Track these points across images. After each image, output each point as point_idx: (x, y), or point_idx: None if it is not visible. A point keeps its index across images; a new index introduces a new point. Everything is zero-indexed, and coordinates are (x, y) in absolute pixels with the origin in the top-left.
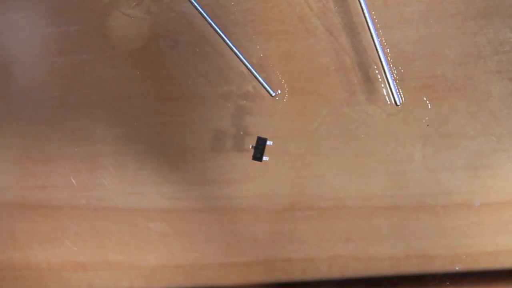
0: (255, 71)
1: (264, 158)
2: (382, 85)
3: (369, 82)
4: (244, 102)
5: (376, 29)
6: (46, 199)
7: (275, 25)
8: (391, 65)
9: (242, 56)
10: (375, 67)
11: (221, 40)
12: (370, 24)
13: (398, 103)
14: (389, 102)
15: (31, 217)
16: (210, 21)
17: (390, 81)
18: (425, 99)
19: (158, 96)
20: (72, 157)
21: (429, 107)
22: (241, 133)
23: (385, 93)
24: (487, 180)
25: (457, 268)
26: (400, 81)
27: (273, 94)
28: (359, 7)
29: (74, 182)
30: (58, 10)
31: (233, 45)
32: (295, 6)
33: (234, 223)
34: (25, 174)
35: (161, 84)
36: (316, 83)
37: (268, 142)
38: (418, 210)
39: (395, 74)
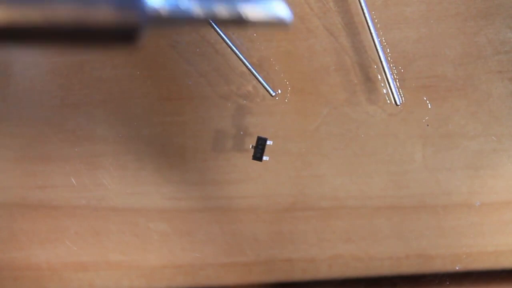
0: (255, 71)
1: (264, 158)
2: (382, 85)
3: (369, 82)
4: (244, 102)
5: (376, 29)
6: (46, 199)
7: None
8: (391, 65)
9: (242, 56)
10: (375, 67)
11: (221, 40)
12: (370, 24)
13: (398, 103)
14: (389, 102)
15: (31, 217)
16: (210, 21)
17: (390, 81)
18: (425, 99)
19: (158, 96)
20: (72, 157)
21: (429, 107)
22: (241, 133)
23: (385, 93)
24: (487, 180)
25: (457, 268)
26: (400, 81)
27: (273, 94)
28: (359, 7)
29: (74, 182)
30: None
31: (233, 45)
32: (295, 6)
33: (234, 223)
34: (25, 174)
35: (161, 84)
36: (316, 83)
37: (268, 142)
38: (418, 210)
39: (395, 74)
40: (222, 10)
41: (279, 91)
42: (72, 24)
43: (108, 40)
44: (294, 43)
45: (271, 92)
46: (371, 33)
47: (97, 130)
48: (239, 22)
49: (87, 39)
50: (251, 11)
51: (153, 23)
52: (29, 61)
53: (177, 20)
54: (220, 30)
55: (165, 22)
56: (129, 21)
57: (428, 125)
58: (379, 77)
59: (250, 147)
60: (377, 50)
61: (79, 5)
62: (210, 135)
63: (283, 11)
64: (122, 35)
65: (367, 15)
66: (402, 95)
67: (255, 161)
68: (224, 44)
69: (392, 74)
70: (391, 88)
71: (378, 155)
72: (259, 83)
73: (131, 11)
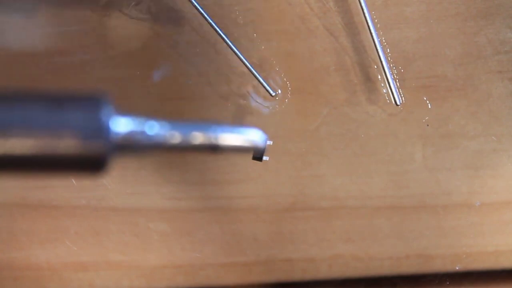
0: (255, 71)
1: (264, 158)
2: (382, 85)
3: (369, 82)
4: (244, 102)
5: (376, 29)
6: (46, 199)
7: (275, 25)
8: (391, 65)
9: (242, 56)
10: (375, 67)
11: (221, 40)
12: (370, 24)
13: (398, 103)
14: (389, 102)
15: (31, 217)
16: (210, 21)
17: (390, 81)
18: (425, 99)
19: (158, 96)
20: None
21: (429, 107)
22: None
23: (385, 93)
24: (487, 180)
25: (457, 268)
26: (400, 81)
27: (273, 94)
28: (359, 7)
29: (74, 182)
30: (58, 10)
31: (233, 45)
32: (296, 6)
33: (234, 223)
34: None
35: (161, 84)
36: (316, 83)
37: (268, 142)
38: (418, 210)
39: (395, 74)
40: (195, 138)
41: (279, 91)
42: (35, 156)
43: (74, 168)
44: (294, 43)
45: (271, 92)
46: (371, 33)
47: None
48: (213, 148)
49: (52, 168)
50: (227, 139)
51: (120, 151)
52: (29, 61)
53: (146, 148)
54: (220, 30)
55: (134, 149)
56: (94, 152)
57: (428, 125)
58: (379, 77)
59: None
60: (377, 50)
61: (42, 137)
62: None
63: (259, 138)
64: (88, 164)
65: (367, 15)
66: (402, 95)
67: (255, 161)
68: (224, 44)
69: (392, 74)
70: (391, 88)
71: (378, 155)
72: (259, 83)
73: (97, 142)
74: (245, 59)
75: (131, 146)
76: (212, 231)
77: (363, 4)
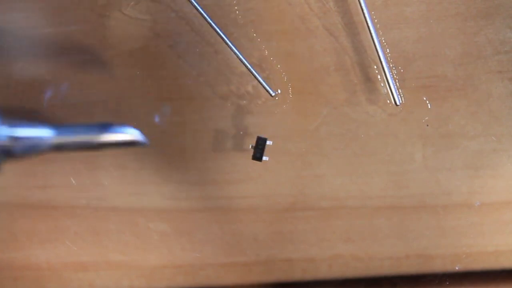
0: (255, 71)
1: (264, 158)
2: (382, 85)
3: (369, 82)
4: (244, 102)
5: (376, 29)
6: (46, 199)
7: (275, 25)
8: (391, 65)
9: (242, 56)
10: (375, 67)
11: (221, 40)
12: (370, 24)
13: (398, 103)
14: (389, 102)
15: (31, 217)
16: (210, 21)
17: (390, 81)
18: (425, 99)
19: (158, 96)
20: (72, 157)
21: (429, 107)
22: (241, 133)
23: (385, 93)
24: (487, 180)
25: (457, 268)
26: (400, 81)
27: (273, 94)
28: (359, 7)
29: (74, 182)
30: (58, 10)
31: (233, 45)
32: (295, 6)
33: (234, 223)
34: (25, 174)
35: (161, 84)
36: (316, 83)
37: (268, 142)
38: (418, 210)
39: (395, 74)
40: (78, 141)
41: (279, 91)
42: None
43: None
44: (294, 43)
45: (271, 92)
46: (371, 33)
47: None
48: (96, 148)
49: None
50: (108, 139)
51: (7, 156)
52: (29, 61)
53: (33, 151)
54: (220, 30)
55: (21, 153)
56: None
57: (428, 125)
58: (379, 77)
59: (250, 147)
60: (377, 50)
61: None
62: (210, 135)
63: (137, 136)
64: None
65: (367, 15)
66: (402, 95)
67: (255, 161)
68: (224, 44)
69: (392, 74)
70: (391, 88)
71: (378, 155)
72: (259, 83)
73: None
74: (245, 59)
75: (19, 151)
76: (212, 231)
77: (363, 4)
